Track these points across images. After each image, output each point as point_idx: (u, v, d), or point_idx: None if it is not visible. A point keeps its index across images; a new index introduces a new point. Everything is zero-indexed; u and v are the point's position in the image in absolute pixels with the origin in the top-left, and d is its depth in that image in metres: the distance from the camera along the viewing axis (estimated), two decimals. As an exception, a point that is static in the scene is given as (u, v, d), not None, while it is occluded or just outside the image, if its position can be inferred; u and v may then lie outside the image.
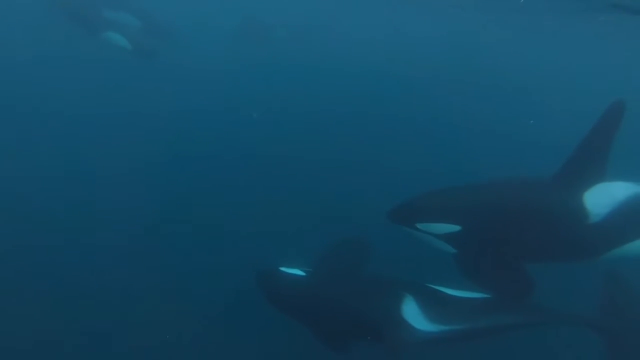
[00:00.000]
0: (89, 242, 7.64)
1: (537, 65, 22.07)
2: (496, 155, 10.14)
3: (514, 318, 4.94)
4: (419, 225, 5.08)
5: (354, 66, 17.94)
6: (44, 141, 10.57)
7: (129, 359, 6.12)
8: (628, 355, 4.93)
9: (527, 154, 9.94)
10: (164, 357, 6.18)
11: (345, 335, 5.11)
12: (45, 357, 6.06)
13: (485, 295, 5.05)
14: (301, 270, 5.63)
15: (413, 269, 5.68)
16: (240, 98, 13.75)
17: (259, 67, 16.95)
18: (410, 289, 5.06)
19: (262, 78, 15.84)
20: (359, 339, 5.08)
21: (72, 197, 8.69)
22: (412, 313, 4.84)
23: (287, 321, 5.46)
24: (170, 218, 8.32)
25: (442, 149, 10.88)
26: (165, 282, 6.97)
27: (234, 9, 21.50)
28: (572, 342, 5.55)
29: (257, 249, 7.15)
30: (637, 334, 4.96)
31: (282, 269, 5.63)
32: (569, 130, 6.04)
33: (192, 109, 12.58)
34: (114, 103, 12.43)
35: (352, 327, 5.04)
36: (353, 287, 5.33)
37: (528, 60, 22.97)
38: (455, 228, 4.91)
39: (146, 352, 6.13)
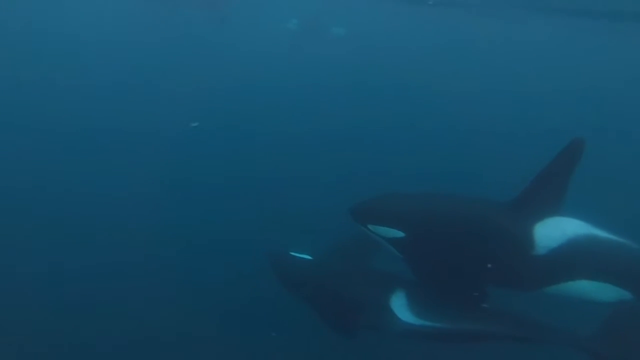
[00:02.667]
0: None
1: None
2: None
3: (501, 329, 4.92)
4: (369, 226, 5.23)
5: (409, 66, 17.91)
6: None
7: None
8: None
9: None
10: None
11: (342, 316, 5.38)
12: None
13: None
14: (309, 255, 6.12)
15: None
16: (279, 95, 14.30)
17: (313, 64, 17.57)
18: (405, 284, 5.28)
19: (312, 75, 16.34)
20: (353, 322, 5.32)
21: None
22: (399, 304, 5.07)
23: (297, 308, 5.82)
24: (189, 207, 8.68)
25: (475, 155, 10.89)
26: (177, 273, 7.17)
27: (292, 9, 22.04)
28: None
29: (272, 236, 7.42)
30: None
31: (292, 253, 6.17)
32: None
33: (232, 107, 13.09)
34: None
35: (346, 310, 5.33)
36: (352, 274, 5.71)
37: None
38: (400, 234, 5.01)
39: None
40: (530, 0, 19.51)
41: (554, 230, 4.68)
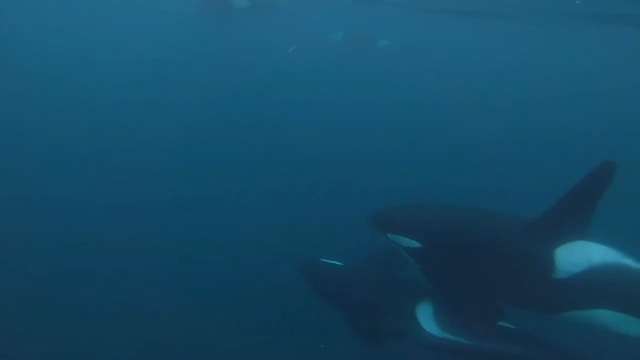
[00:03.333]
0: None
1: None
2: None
3: (525, 352, 4.84)
4: (389, 235, 5.25)
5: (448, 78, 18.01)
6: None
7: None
8: None
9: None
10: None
11: (369, 322, 5.48)
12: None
13: (505, 325, 5.06)
14: (340, 262, 6.28)
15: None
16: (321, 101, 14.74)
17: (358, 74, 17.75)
18: (433, 296, 5.31)
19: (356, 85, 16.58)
20: (379, 328, 5.42)
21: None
22: (425, 315, 5.12)
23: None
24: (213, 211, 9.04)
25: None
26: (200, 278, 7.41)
27: (338, 20, 22.34)
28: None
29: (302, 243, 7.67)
30: None
31: (323, 260, 6.36)
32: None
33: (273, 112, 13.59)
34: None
35: (374, 316, 5.43)
36: (382, 281, 5.82)
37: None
38: (416, 244, 4.99)
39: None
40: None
41: (578, 256, 4.52)
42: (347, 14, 23.07)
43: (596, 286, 4.46)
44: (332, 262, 6.29)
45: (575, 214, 4.52)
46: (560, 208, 4.55)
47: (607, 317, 4.54)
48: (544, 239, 4.57)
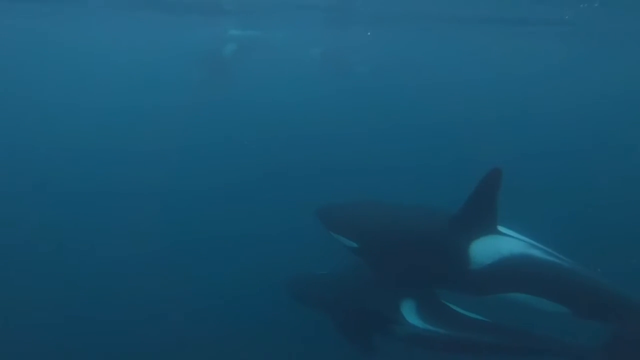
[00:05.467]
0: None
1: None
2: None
3: (506, 340, 5.24)
4: (332, 233, 5.65)
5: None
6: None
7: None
8: None
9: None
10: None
11: (358, 322, 5.80)
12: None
13: (484, 318, 5.44)
14: (327, 272, 6.57)
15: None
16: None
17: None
18: (415, 294, 5.62)
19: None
20: (369, 328, 5.77)
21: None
22: (408, 310, 5.46)
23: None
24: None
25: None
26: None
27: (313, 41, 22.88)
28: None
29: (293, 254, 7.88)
30: None
31: (312, 271, 6.70)
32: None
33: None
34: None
35: (362, 316, 5.74)
36: (366, 283, 5.98)
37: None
38: (354, 244, 5.45)
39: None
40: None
41: (489, 248, 5.03)
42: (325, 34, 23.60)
43: (507, 274, 5.02)
44: (318, 271, 6.58)
45: (479, 212, 5.03)
46: (467, 207, 5.07)
47: (521, 299, 5.09)
48: (461, 234, 5.09)
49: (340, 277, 6.31)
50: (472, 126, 15.04)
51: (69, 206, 9.86)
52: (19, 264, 7.90)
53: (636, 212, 9.33)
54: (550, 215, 8.13)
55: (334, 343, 5.92)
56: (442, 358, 5.77)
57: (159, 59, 27.59)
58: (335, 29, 21.34)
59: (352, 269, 6.30)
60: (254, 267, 7.85)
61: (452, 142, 13.91)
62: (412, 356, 5.78)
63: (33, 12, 20.11)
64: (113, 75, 23.17)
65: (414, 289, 5.54)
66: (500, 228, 5.18)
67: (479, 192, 4.93)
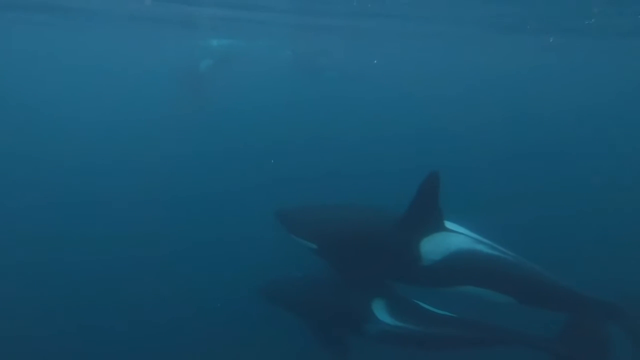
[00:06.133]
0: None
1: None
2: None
3: (472, 333, 5.60)
4: (292, 236, 6.04)
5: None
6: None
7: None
8: None
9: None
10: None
11: (331, 322, 6.09)
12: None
13: (450, 314, 5.80)
14: (302, 274, 6.74)
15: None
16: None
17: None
18: (386, 292, 5.96)
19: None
20: (342, 327, 6.07)
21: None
22: (379, 307, 5.78)
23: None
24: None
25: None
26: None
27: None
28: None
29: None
30: None
31: (286, 274, 6.83)
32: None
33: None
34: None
35: (336, 315, 6.04)
36: (340, 285, 6.25)
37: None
38: (313, 246, 5.86)
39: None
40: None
41: (438, 245, 5.39)
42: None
43: (455, 269, 5.39)
44: (293, 273, 6.74)
45: (424, 213, 5.36)
46: (411, 208, 5.38)
47: (469, 291, 5.48)
48: (411, 233, 5.42)
49: (313, 278, 6.50)
50: (436, 129, 15.90)
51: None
52: (14, 267, 8.15)
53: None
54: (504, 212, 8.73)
55: (307, 344, 6.14)
56: (412, 354, 6.03)
57: (132, 71, 27.77)
58: (308, 33, 21.77)
59: (325, 270, 6.46)
60: (229, 272, 8.08)
61: (418, 145, 14.50)
62: (383, 354, 6.05)
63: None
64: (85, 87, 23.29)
65: (374, 285, 5.87)
66: (449, 224, 5.52)
67: (420, 195, 5.23)
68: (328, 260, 6.01)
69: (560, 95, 25.63)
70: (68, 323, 7.08)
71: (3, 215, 9.79)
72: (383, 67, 27.23)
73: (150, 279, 8.03)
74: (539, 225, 9.33)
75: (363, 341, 5.93)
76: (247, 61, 24.57)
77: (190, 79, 17.56)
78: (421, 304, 5.91)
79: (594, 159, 13.50)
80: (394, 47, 24.24)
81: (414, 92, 24.06)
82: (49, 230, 9.24)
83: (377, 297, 5.90)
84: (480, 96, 24.11)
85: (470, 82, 26.92)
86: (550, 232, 9.08)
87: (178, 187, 11.26)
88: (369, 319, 5.72)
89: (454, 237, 5.46)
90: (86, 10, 16.69)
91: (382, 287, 6.03)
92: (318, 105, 18.87)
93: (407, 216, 5.38)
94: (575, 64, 27.33)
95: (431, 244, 5.39)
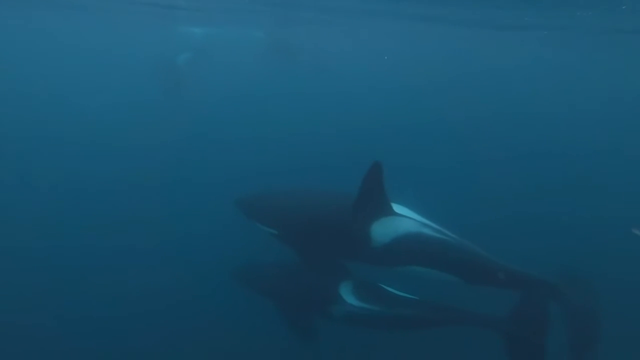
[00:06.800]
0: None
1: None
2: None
3: (431, 314, 6.07)
4: (253, 222, 6.44)
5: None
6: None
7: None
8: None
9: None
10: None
11: (301, 305, 6.48)
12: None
13: (412, 296, 6.23)
14: (274, 260, 7.08)
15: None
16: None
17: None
18: (353, 277, 6.39)
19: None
20: (309, 309, 6.45)
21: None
22: (346, 290, 6.22)
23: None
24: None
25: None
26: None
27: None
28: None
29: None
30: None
31: (259, 260, 7.21)
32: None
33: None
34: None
35: (304, 297, 6.46)
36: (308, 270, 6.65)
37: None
38: (273, 231, 6.28)
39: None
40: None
41: (386, 229, 5.83)
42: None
43: (403, 250, 5.82)
44: (265, 259, 7.10)
45: (371, 199, 5.75)
46: (360, 196, 5.74)
47: (417, 271, 5.90)
48: (362, 217, 5.83)
49: (284, 263, 6.82)
50: (413, 120, 16.26)
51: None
52: (12, 262, 8.28)
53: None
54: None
55: (277, 327, 6.43)
56: (377, 335, 6.54)
57: (110, 59, 27.43)
58: (283, 19, 21.90)
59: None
60: (205, 261, 8.30)
61: (389, 130, 14.95)
62: (349, 335, 6.43)
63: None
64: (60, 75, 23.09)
65: (332, 267, 6.28)
66: (399, 209, 5.94)
67: (365, 183, 5.62)
68: (288, 244, 6.39)
69: (550, 90, 26.17)
70: (50, 313, 7.30)
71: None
72: (358, 53, 27.44)
73: (126, 270, 8.20)
74: (521, 219, 9.80)
75: (330, 322, 6.32)
76: (222, 49, 24.76)
77: (168, 70, 17.63)
78: (385, 287, 6.32)
79: (592, 157, 13.82)
80: (370, 31, 24.65)
81: (393, 81, 24.50)
82: (25, 220, 9.39)
83: (344, 280, 6.32)
84: (454, 84, 24.40)
85: (438, 70, 27.33)
86: (521, 226, 9.51)
87: (152, 175, 11.34)
88: (336, 301, 6.14)
89: (402, 221, 5.90)
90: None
91: (348, 272, 6.42)
92: (291, 93, 19.10)
93: (356, 203, 5.74)
94: (571, 60, 27.94)
95: (380, 227, 5.82)
